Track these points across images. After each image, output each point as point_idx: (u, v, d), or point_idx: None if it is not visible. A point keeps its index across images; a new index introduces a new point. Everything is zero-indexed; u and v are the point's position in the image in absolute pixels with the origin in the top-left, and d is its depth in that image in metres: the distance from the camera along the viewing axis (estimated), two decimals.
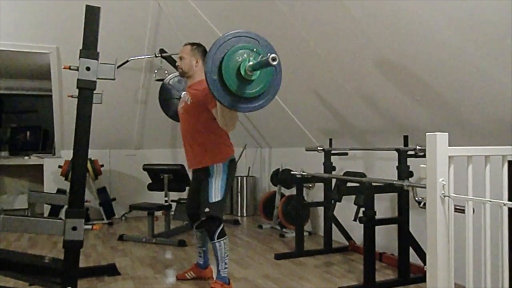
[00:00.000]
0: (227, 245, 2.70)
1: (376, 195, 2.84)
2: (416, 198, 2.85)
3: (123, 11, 4.37)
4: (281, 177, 4.72)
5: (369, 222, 2.77)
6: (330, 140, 3.87)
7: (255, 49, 2.17)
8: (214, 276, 2.83)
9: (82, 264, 2.51)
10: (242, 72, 2.14)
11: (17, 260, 2.43)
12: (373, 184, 2.87)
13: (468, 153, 1.67)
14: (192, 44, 2.84)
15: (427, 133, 1.64)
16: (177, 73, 3.14)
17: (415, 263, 2.97)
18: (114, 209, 5.32)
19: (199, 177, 2.77)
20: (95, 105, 2.20)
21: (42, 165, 5.34)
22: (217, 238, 2.65)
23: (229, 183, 2.74)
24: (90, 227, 4.79)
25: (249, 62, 2.14)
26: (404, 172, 2.90)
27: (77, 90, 2.13)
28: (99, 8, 2.12)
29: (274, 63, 1.97)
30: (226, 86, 2.16)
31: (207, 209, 2.65)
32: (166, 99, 3.30)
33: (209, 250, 2.97)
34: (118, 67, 4.30)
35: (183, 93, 2.98)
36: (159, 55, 4.59)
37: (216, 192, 2.67)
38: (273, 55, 1.95)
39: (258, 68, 2.14)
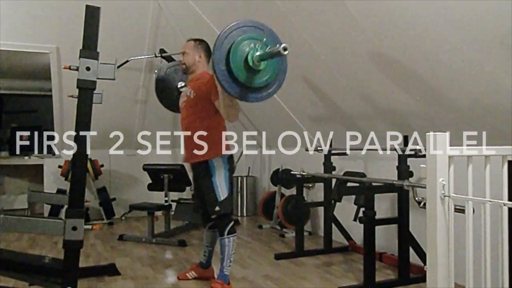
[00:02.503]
0: (235, 243, 2.72)
1: (376, 195, 2.84)
2: (416, 198, 2.85)
3: (123, 11, 4.37)
4: (281, 177, 4.72)
5: (369, 222, 2.77)
6: (330, 140, 3.87)
7: (261, 39, 2.15)
8: (215, 275, 2.83)
9: (82, 264, 2.50)
10: (250, 63, 2.13)
11: (17, 260, 2.43)
12: (373, 184, 2.87)
13: (468, 153, 1.67)
14: (195, 40, 2.85)
15: (427, 133, 1.64)
16: (172, 64, 3.12)
17: (415, 263, 2.97)
18: (114, 209, 5.32)
19: (199, 175, 2.76)
20: (95, 105, 2.20)
21: (42, 165, 5.34)
22: (227, 234, 2.67)
23: (231, 177, 2.76)
24: (90, 227, 4.79)
25: (256, 52, 2.13)
26: (404, 172, 2.90)
27: (77, 90, 2.13)
28: (99, 8, 2.12)
29: (286, 52, 1.97)
30: (234, 77, 2.14)
31: (217, 208, 2.66)
32: (163, 89, 3.27)
33: (214, 252, 2.98)
34: (118, 67, 4.29)
35: (184, 88, 2.96)
36: (159, 55, 4.59)
37: (222, 190, 2.68)
38: (284, 44, 1.96)
39: (266, 58, 2.13)
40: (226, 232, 2.67)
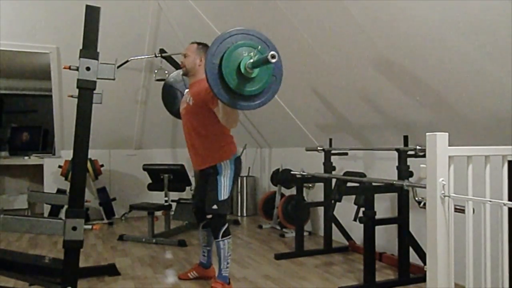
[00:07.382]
0: (231, 244, 2.71)
1: (376, 195, 2.84)
2: (416, 198, 2.84)
3: (123, 11, 4.37)
4: (281, 177, 4.72)
5: (369, 222, 2.77)
6: (330, 140, 3.87)
7: (258, 48, 2.12)
8: (216, 275, 2.83)
9: (82, 264, 2.51)
10: (242, 69, 2.10)
11: (17, 260, 2.44)
12: (373, 184, 2.87)
13: (468, 153, 1.67)
14: (198, 43, 2.83)
15: (427, 133, 1.64)
16: (178, 71, 3.12)
17: (415, 263, 2.97)
18: (114, 209, 5.32)
19: (206, 174, 2.77)
20: (95, 105, 2.21)
21: (42, 165, 5.34)
22: (222, 237, 2.66)
23: (235, 181, 2.77)
24: (90, 227, 4.79)
25: (249, 59, 2.09)
26: (404, 172, 2.90)
27: (77, 90, 2.14)
28: (99, 8, 2.13)
29: (273, 60, 1.93)
30: (225, 83, 2.12)
31: (215, 206, 2.66)
32: (169, 97, 3.25)
33: (213, 251, 2.97)
34: (118, 67, 4.30)
35: (186, 91, 2.97)
36: (159, 55, 4.59)
37: (225, 190, 2.69)
38: (272, 52, 1.92)
39: (258, 65, 2.09)
40: (220, 235, 2.66)
